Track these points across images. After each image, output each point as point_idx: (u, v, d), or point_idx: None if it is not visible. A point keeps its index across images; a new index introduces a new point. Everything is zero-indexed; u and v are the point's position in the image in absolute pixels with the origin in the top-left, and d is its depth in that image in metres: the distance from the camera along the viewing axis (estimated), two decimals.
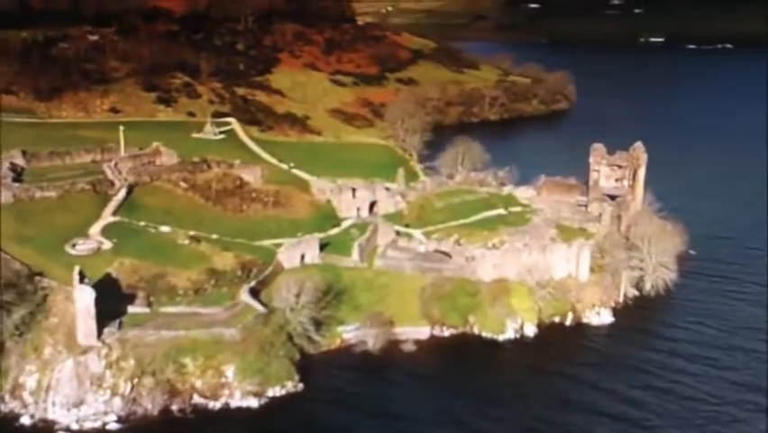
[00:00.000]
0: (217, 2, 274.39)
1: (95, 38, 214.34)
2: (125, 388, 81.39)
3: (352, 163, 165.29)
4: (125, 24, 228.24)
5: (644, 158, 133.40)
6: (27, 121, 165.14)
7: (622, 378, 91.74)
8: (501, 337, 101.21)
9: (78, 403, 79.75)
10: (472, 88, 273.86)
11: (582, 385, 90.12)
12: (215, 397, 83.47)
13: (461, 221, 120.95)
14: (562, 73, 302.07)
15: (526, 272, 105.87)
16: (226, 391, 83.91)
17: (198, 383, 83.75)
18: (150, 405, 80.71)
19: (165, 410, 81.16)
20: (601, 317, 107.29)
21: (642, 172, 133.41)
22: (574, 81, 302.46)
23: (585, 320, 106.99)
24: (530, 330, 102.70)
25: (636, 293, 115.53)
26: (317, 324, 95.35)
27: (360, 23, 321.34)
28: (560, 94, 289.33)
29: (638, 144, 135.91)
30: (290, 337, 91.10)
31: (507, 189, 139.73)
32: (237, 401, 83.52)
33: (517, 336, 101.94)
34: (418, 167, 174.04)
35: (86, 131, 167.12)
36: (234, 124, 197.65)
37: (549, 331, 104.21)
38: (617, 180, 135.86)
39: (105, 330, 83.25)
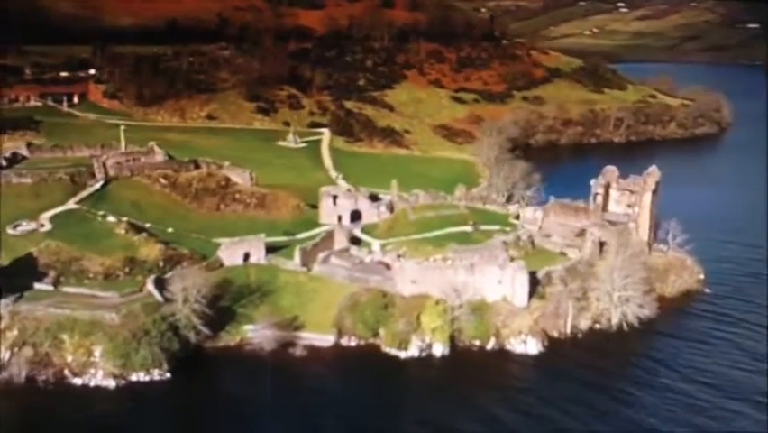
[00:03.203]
0: (360, 22, 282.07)
1: (225, 53, 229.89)
2: (4, 354, 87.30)
3: (417, 177, 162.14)
4: (256, 41, 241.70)
5: (651, 183, 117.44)
6: (122, 122, 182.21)
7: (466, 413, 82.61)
8: (404, 354, 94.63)
9: None
10: (602, 109, 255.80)
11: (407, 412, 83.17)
12: (81, 374, 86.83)
13: (424, 234, 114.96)
14: (716, 95, 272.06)
15: (452, 291, 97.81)
16: (92, 370, 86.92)
17: (70, 359, 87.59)
18: (18, 372, 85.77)
19: (31, 379, 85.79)
20: (527, 346, 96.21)
21: (647, 198, 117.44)
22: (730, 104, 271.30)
23: (508, 347, 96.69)
24: (439, 350, 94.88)
25: (594, 326, 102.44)
26: (218, 320, 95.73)
27: (504, 41, 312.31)
28: (703, 117, 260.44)
29: (653, 168, 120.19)
30: (176, 329, 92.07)
31: (512, 209, 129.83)
32: (98, 380, 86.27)
33: (423, 354, 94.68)
34: (484, 184, 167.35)
35: (172, 134, 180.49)
36: (325, 134, 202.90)
37: (462, 353, 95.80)
38: (629, 206, 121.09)
39: (2, 301, 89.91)
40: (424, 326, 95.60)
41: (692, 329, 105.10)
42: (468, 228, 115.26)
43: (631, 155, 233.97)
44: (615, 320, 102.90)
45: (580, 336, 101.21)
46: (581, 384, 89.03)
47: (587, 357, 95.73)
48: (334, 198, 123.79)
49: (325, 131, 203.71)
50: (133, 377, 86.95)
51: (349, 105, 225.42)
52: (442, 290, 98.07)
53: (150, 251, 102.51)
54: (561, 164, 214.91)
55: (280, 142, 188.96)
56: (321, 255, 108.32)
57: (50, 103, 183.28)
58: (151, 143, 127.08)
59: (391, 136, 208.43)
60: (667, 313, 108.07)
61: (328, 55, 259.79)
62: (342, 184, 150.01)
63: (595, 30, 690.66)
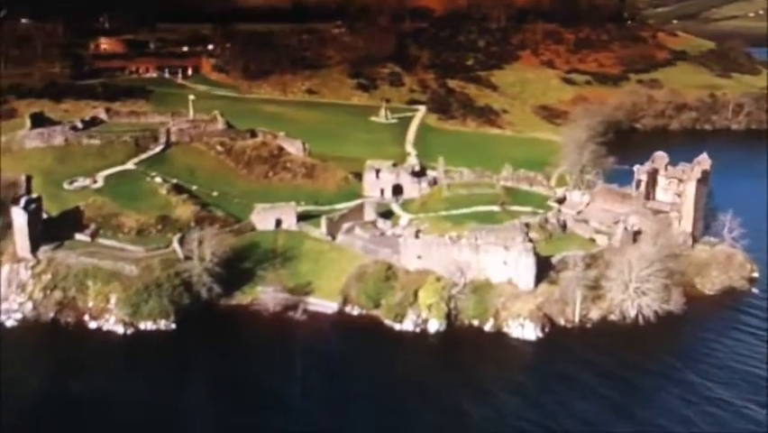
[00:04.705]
0: (479, 2, 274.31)
1: (337, 32, 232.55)
2: (38, 295, 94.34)
3: (499, 156, 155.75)
4: (372, 21, 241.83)
5: (697, 172, 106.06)
6: (226, 94, 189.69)
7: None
8: (398, 327, 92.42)
9: (4, 300, 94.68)
10: (723, 94, 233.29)
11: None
12: (98, 318, 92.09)
13: (451, 212, 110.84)
14: None
15: (456, 269, 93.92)
16: (106, 316, 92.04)
17: (90, 304, 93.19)
18: (46, 312, 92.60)
19: (56, 320, 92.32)
20: (524, 330, 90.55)
21: (691, 187, 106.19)
22: None
23: (506, 330, 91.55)
24: (434, 326, 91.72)
25: (607, 317, 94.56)
26: (236, 279, 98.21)
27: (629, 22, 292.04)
28: None
29: (703, 156, 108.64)
30: (189, 285, 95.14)
31: (560, 192, 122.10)
32: (110, 325, 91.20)
33: (418, 329, 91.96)
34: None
35: (269, 106, 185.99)
36: (420, 111, 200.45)
37: (457, 331, 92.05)
38: (677, 195, 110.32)
39: (42, 248, 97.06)
40: (420, 301, 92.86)
41: (714, 335, 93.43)
42: (495, 208, 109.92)
43: (747, 144, 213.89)
44: (631, 313, 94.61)
45: (589, 325, 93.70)
46: (562, 377, 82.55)
47: (584, 349, 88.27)
48: (377, 171, 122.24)
49: (422, 108, 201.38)
50: (141, 325, 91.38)
51: (452, 83, 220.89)
52: (445, 268, 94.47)
53: (184, 211, 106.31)
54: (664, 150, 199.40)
55: (373, 118, 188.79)
56: (345, 226, 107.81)
57: (166, 75, 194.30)
58: (215, 112, 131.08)
59: (486, 115, 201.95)
60: (695, 311, 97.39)
61: (442, 35, 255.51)
62: (413, 160, 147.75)
63: (760, 12, 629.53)
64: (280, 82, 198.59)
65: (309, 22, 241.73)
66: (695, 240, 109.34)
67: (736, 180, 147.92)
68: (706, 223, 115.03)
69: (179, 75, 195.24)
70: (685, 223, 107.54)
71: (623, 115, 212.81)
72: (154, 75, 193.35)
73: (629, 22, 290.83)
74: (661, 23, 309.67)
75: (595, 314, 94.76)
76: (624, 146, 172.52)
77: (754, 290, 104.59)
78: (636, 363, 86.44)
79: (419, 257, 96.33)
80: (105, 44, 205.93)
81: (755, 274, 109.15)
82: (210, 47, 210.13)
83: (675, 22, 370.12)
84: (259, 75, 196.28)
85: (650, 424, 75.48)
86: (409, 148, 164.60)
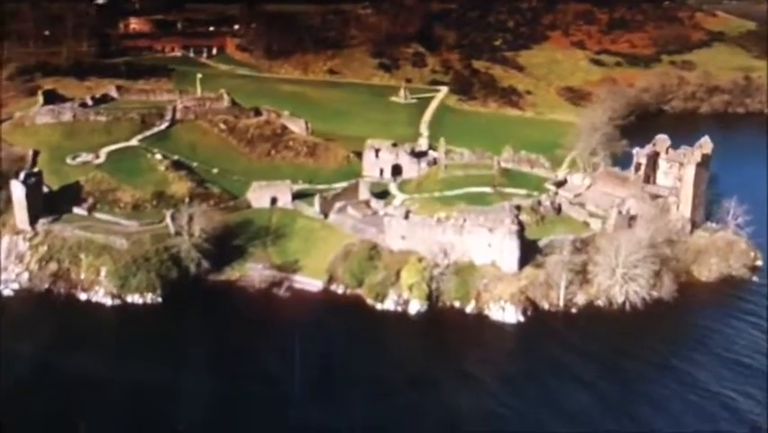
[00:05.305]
0: None
1: (362, 12, 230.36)
2: (35, 267, 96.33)
3: (514, 138, 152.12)
4: (398, 1, 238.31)
5: (697, 156, 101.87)
6: (247, 73, 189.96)
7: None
8: (380, 306, 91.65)
9: (3, 270, 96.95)
10: (759, 76, 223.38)
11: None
12: (88, 289, 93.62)
13: (445, 193, 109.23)
14: None
15: (439, 250, 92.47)
16: (96, 288, 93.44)
17: (83, 276, 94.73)
18: (40, 283, 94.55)
19: (49, 290, 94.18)
20: (505, 313, 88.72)
21: (689, 171, 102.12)
22: None
23: (486, 312, 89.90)
24: (415, 306, 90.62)
25: (594, 303, 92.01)
26: (227, 255, 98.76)
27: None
28: None
29: (704, 140, 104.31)
30: (177, 260, 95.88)
31: (560, 174, 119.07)
32: (99, 297, 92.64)
33: (399, 308, 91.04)
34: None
35: (289, 85, 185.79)
36: (442, 92, 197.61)
37: (438, 312, 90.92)
38: (679, 180, 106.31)
39: (41, 221, 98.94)
40: (402, 281, 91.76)
41: (703, 322, 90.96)
42: (488, 190, 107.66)
43: None
44: (619, 299, 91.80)
45: (574, 310, 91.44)
46: (539, 358, 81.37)
47: (565, 333, 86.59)
48: (377, 151, 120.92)
49: (444, 89, 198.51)
50: (129, 298, 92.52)
51: (477, 64, 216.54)
52: (429, 248, 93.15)
53: (180, 187, 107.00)
54: (691, 133, 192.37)
55: (392, 98, 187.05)
56: (338, 205, 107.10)
57: (191, 54, 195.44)
58: (221, 90, 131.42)
59: (508, 96, 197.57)
60: (688, 298, 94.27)
61: (471, 15, 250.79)
62: (423, 142, 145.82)
63: None
64: (302, 62, 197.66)
65: (339, 2, 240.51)
66: (695, 226, 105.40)
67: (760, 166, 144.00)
68: (709, 209, 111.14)
69: (204, 54, 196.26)
70: (684, 208, 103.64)
71: (650, 97, 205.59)
72: (178, 54, 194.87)
73: (666, 2, 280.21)
74: (703, 2, 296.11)
75: (581, 299, 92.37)
76: (647, 129, 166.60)
77: (755, 279, 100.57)
78: (617, 347, 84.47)
79: (403, 237, 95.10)
80: (134, 24, 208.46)
81: (759, 262, 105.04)
82: (236, 27, 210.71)
83: (733, 1, 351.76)
84: (281, 54, 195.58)
85: (626, 409, 73.93)
86: (423, 128, 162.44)
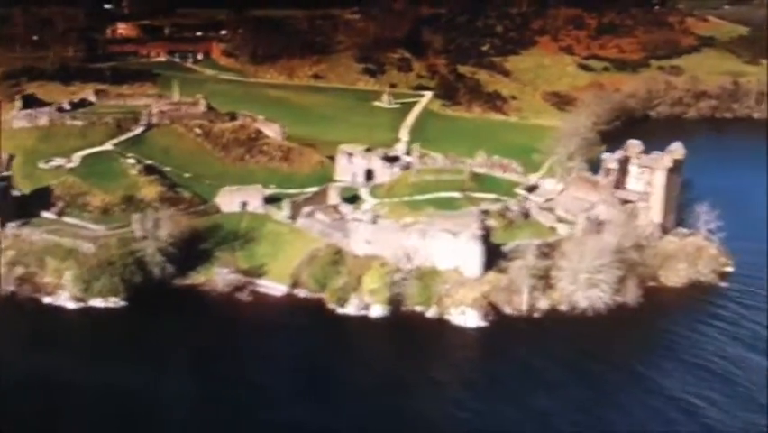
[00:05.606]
0: None
1: (350, 17, 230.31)
2: (3, 270, 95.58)
3: (495, 143, 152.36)
4: (388, 6, 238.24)
5: (667, 161, 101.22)
6: (232, 78, 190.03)
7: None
8: (341, 310, 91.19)
9: None
10: (747, 81, 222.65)
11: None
12: (52, 294, 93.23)
13: (415, 197, 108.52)
14: None
15: (403, 255, 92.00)
16: (60, 291, 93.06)
17: (47, 280, 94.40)
18: (6, 287, 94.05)
19: (14, 294, 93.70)
20: (466, 318, 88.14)
21: (659, 177, 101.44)
22: None
23: (447, 317, 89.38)
24: (377, 311, 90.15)
25: (557, 307, 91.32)
26: (193, 260, 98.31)
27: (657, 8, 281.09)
28: None
29: (676, 145, 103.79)
30: (142, 264, 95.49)
31: (533, 179, 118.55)
32: (62, 301, 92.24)
33: (360, 312, 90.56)
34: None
35: (273, 90, 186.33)
36: (426, 97, 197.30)
37: (399, 317, 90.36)
38: (649, 185, 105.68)
39: (9, 225, 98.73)
40: (364, 286, 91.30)
41: (666, 326, 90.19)
42: (456, 194, 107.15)
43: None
44: (582, 304, 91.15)
45: (536, 315, 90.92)
46: (499, 360, 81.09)
47: (526, 337, 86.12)
48: (350, 155, 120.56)
49: (428, 94, 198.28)
50: (92, 302, 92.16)
51: (463, 69, 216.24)
52: (393, 253, 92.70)
53: (149, 192, 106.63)
54: (674, 138, 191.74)
55: (375, 103, 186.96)
56: (306, 209, 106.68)
57: (176, 59, 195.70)
58: (198, 96, 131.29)
59: (493, 101, 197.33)
60: (652, 304, 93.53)
61: (459, 20, 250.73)
62: (401, 147, 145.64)
63: None
64: (287, 67, 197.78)
65: (328, 7, 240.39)
66: (666, 231, 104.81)
67: (745, 171, 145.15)
68: (681, 214, 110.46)
69: (190, 59, 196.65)
70: (654, 213, 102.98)
71: (636, 102, 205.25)
72: (164, 59, 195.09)
73: (657, 7, 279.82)
74: (695, 7, 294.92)
75: (544, 304, 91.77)
76: (631, 134, 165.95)
77: (723, 285, 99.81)
78: (579, 350, 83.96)
79: (368, 242, 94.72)
80: (121, 29, 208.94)
81: (729, 268, 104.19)
82: (223, 32, 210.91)
83: (726, 7, 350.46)
84: (266, 59, 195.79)
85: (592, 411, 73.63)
86: (404, 133, 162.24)
